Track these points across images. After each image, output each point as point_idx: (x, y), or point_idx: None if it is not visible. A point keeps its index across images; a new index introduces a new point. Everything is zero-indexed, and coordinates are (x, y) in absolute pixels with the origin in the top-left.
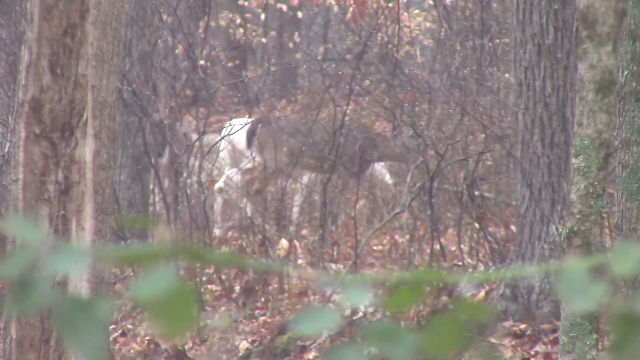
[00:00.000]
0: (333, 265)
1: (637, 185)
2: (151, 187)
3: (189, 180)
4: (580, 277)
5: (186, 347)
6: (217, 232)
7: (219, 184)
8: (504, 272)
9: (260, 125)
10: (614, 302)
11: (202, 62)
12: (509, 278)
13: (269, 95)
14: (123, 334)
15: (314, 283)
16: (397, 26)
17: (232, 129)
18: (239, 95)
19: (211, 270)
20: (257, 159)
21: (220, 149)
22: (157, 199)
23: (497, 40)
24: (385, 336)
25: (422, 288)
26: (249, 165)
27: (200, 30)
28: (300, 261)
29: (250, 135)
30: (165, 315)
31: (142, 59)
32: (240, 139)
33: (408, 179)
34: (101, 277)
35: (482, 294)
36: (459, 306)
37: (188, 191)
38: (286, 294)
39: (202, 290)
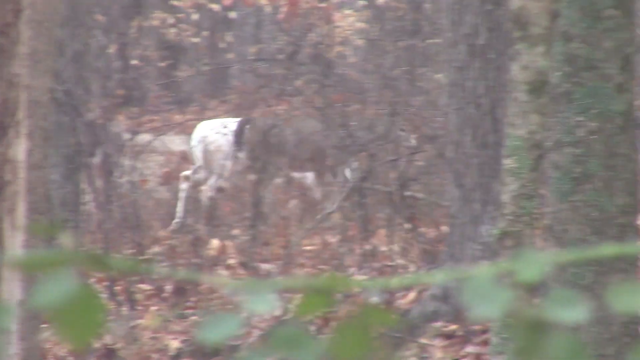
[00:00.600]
0: (264, 265)
1: (568, 187)
2: (83, 186)
3: (120, 180)
4: (486, 283)
5: (117, 346)
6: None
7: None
8: (407, 280)
9: (248, 125)
10: (518, 308)
11: (134, 62)
12: (413, 285)
13: (201, 95)
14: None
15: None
16: (329, 26)
17: (202, 130)
18: (171, 95)
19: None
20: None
21: (193, 147)
22: (89, 198)
23: (429, 41)
24: (291, 342)
25: (332, 294)
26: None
27: (133, 30)
28: (231, 261)
29: (239, 135)
30: (68, 321)
31: (75, 59)
32: (216, 139)
33: (340, 179)
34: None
35: (412, 294)
36: (364, 312)
37: (120, 191)
38: (217, 294)
39: (133, 289)
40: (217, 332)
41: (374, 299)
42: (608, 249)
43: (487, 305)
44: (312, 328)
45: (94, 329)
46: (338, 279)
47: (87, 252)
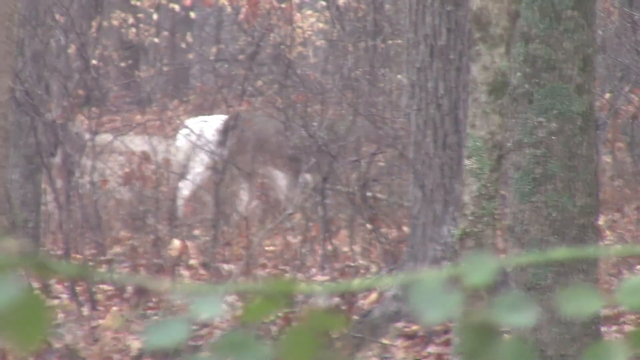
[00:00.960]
0: (225, 266)
1: (529, 187)
2: (43, 186)
3: (81, 180)
4: (434, 288)
5: (79, 346)
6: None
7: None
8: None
9: (233, 123)
10: (467, 312)
11: (94, 61)
12: (362, 289)
13: (162, 95)
14: None
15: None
16: (290, 27)
17: (186, 130)
18: (132, 95)
19: (104, 270)
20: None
21: (179, 146)
22: (49, 198)
23: (390, 42)
24: (237, 347)
25: (279, 298)
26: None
27: (93, 29)
28: (192, 261)
29: (224, 132)
30: (13, 326)
31: (34, 58)
32: (199, 137)
33: (300, 180)
34: None
35: (374, 295)
36: (312, 316)
37: (80, 191)
38: (166, 284)
39: (94, 290)
40: (164, 337)
41: (327, 302)
42: (565, 252)
43: (435, 309)
44: (273, 329)
45: (39, 332)
46: (285, 282)
47: (32, 257)
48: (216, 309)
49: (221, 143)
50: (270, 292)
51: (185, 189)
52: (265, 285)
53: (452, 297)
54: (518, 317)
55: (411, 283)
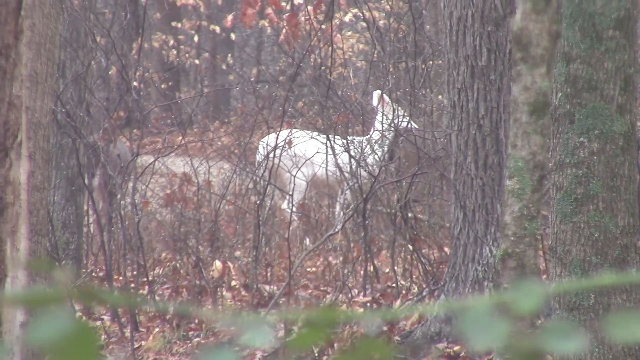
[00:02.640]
0: (267, 287)
1: (570, 207)
2: (85, 208)
3: (122, 202)
4: (483, 315)
5: None
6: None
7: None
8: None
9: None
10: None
11: (135, 83)
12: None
13: (202, 116)
14: None
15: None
16: (330, 48)
17: (266, 145)
18: (172, 116)
19: (145, 292)
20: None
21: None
22: (91, 220)
23: (430, 62)
24: None
25: (327, 327)
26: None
27: (134, 51)
28: (234, 283)
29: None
30: (65, 356)
31: (75, 80)
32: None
33: (342, 200)
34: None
35: (415, 315)
36: (361, 344)
37: (122, 212)
38: (218, 313)
39: (136, 311)
40: None
41: (374, 328)
42: (610, 278)
43: (485, 337)
44: (315, 350)
45: None
46: (336, 312)
47: (82, 288)
48: (266, 338)
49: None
50: (317, 320)
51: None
52: (312, 314)
53: (501, 325)
54: (567, 344)
55: (460, 309)
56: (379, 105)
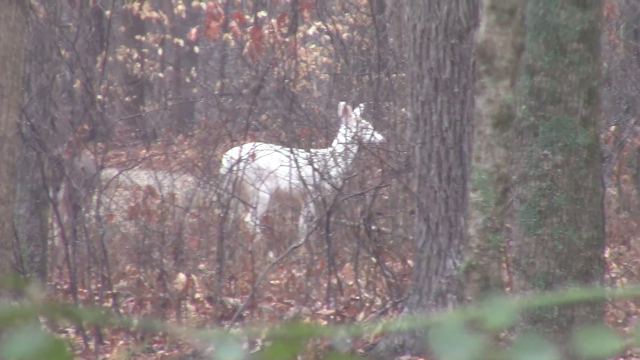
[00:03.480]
0: (231, 300)
1: (534, 220)
2: (50, 221)
3: (87, 215)
4: (454, 330)
5: None
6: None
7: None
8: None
9: None
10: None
11: (99, 96)
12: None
13: (166, 130)
14: None
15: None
16: (294, 61)
17: (230, 158)
18: (137, 129)
19: (110, 304)
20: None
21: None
22: (55, 233)
23: (394, 75)
24: None
25: (298, 342)
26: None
27: (98, 65)
28: (197, 295)
29: None
30: None
31: (40, 94)
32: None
33: (305, 213)
34: None
35: (379, 328)
36: (326, 357)
37: (86, 225)
38: (184, 328)
39: (100, 324)
40: None
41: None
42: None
43: (455, 351)
44: None
45: None
46: (304, 325)
47: (54, 304)
48: (237, 354)
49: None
50: (290, 335)
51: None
52: (285, 328)
53: (472, 339)
54: (537, 358)
55: (428, 324)
56: (344, 117)
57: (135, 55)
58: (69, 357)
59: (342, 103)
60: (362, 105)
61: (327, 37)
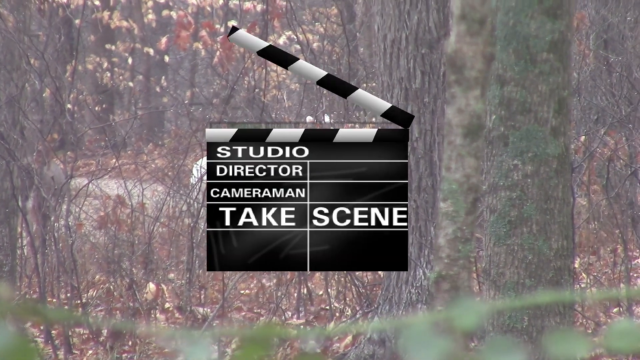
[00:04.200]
0: (201, 309)
1: (504, 230)
2: (19, 230)
3: (56, 224)
4: (423, 331)
5: None
6: None
7: None
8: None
9: None
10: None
11: (69, 105)
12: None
13: (136, 139)
14: None
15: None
16: (264, 70)
17: (200, 168)
18: (106, 139)
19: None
20: None
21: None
22: (25, 242)
23: (364, 85)
24: None
25: (269, 343)
26: None
27: (68, 74)
28: (167, 305)
29: None
30: None
31: (9, 103)
32: None
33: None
34: None
35: (349, 338)
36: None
37: (56, 234)
38: (154, 337)
39: (70, 333)
40: None
41: (311, 345)
42: (544, 297)
43: (425, 352)
44: None
45: None
46: (275, 327)
47: (23, 303)
48: (207, 353)
49: None
50: (259, 337)
51: None
52: (254, 329)
53: (441, 341)
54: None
55: (399, 327)
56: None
57: (105, 65)
58: (37, 356)
59: (310, 117)
60: (332, 114)
61: (298, 46)
